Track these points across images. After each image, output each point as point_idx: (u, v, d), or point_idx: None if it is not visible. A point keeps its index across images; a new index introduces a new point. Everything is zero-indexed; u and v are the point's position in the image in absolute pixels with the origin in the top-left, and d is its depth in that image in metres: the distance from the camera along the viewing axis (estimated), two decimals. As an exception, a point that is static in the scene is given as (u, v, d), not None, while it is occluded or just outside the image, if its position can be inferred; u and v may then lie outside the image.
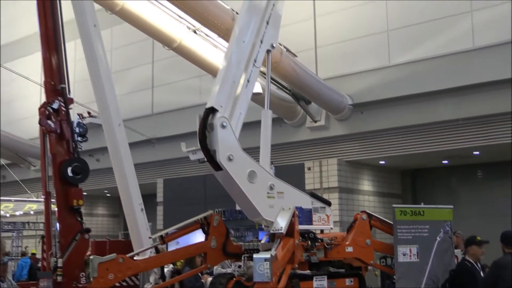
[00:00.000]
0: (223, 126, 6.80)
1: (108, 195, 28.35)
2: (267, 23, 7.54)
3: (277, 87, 16.91)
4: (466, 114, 15.95)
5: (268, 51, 7.59)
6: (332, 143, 18.49)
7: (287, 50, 15.85)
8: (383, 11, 17.41)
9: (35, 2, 7.92)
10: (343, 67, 17.90)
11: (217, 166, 6.85)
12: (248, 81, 7.29)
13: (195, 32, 15.27)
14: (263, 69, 8.05)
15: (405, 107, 16.80)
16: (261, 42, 7.45)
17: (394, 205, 7.96)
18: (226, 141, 6.83)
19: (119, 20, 15.17)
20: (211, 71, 15.94)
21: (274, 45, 7.58)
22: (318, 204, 7.58)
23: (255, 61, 7.35)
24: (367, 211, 8.07)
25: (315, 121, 18.31)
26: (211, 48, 15.57)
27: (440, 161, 19.29)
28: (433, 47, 16.36)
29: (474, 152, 17.47)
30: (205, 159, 6.91)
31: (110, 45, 22.76)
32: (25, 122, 26.39)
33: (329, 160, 18.41)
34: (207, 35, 15.33)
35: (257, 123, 7.65)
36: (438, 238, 7.86)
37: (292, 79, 16.16)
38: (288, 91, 17.37)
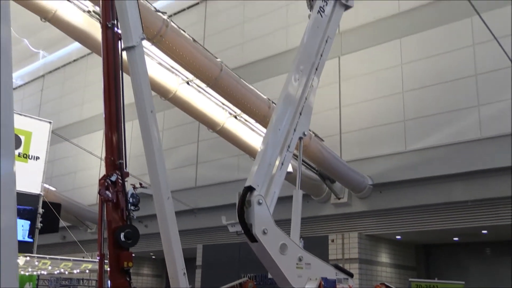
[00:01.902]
0: (259, 203, 6.78)
1: (153, 257, 28.12)
2: (300, 114, 7.62)
3: (306, 167, 16.89)
4: (475, 196, 15.63)
5: (300, 138, 7.63)
6: (353, 218, 18.21)
7: (315, 135, 15.91)
8: (400, 103, 17.48)
9: (101, 88, 8.13)
10: (365, 151, 17.86)
11: (253, 238, 6.78)
12: (282, 164, 7.31)
13: (235, 117, 15.45)
14: (295, 152, 8.05)
15: (420, 188, 16.56)
16: (295, 130, 7.51)
17: (410, 279, 7.74)
18: (262, 216, 6.79)
19: (170, 105, 15.49)
20: (248, 151, 16.03)
21: (305, 133, 7.62)
22: (342, 275, 7.39)
23: (288, 146, 7.40)
24: (386, 283, 7.83)
25: (339, 198, 18.15)
26: (249, 132, 15.71)
27: (451, 238, 18.78)
28: (445, 136, 16.26)
29: (483, 231, 17.00)
30: (243, 232, 6.86)
31: (162, 126, 23.19)
32: (85, 190, 26.73)
33: (351, 233, 18.09)
34: (246, 120, 15.48)
35: (288, 198, 7.61)
36: (451, 311, 7.56)
37: (319, 160, 16.14)
38: (315, 171, 17.32)
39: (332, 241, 18.29)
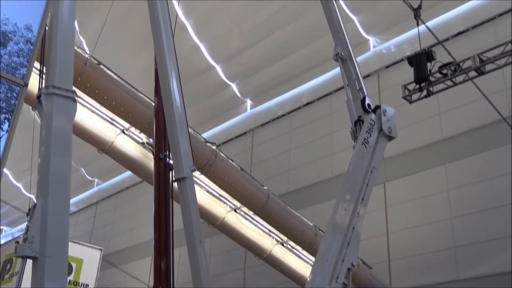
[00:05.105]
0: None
1: None
2: (348, 244, 7.48)
3: (355, 295, 16.27)
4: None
5: (348, 269, 7.43)
6: None
7: (364, 262, 15.47)
8: (449, 229, 16.96)
9: (151, 214, 8.27)
10: (416, 279, 17.10)
11: None
12: (331, 295, 7.10)
13: (282, 244, 15.28)
14: (344, 281, 7.82)
15: (477, 319, 15.61)
16: (343, 261, 7.34)
17: None
18: None
19: (218, 231, 15.47)
20: (295, 279, 15.65)
21: (354, 263, 7.44)
22: None
23: (337, 278, 7.20)
24: None
25: (391, 328, 17.22)
26: (296, 259, 15.43)
27: None
28: (500, 263, 15.50)
29: None
30: None
31: (209, 252, 23.01)
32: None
33: None
34: (292, 247, 15.29)
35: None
36: None
37: (368, 289, 15.57)
38: (364, 300, 16.63)
39: None
